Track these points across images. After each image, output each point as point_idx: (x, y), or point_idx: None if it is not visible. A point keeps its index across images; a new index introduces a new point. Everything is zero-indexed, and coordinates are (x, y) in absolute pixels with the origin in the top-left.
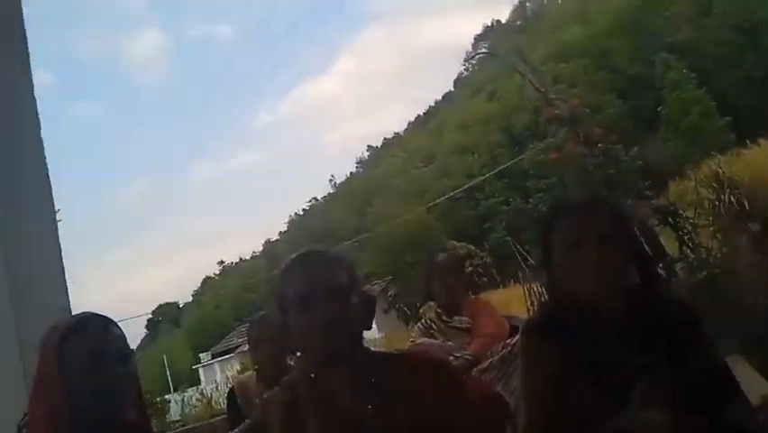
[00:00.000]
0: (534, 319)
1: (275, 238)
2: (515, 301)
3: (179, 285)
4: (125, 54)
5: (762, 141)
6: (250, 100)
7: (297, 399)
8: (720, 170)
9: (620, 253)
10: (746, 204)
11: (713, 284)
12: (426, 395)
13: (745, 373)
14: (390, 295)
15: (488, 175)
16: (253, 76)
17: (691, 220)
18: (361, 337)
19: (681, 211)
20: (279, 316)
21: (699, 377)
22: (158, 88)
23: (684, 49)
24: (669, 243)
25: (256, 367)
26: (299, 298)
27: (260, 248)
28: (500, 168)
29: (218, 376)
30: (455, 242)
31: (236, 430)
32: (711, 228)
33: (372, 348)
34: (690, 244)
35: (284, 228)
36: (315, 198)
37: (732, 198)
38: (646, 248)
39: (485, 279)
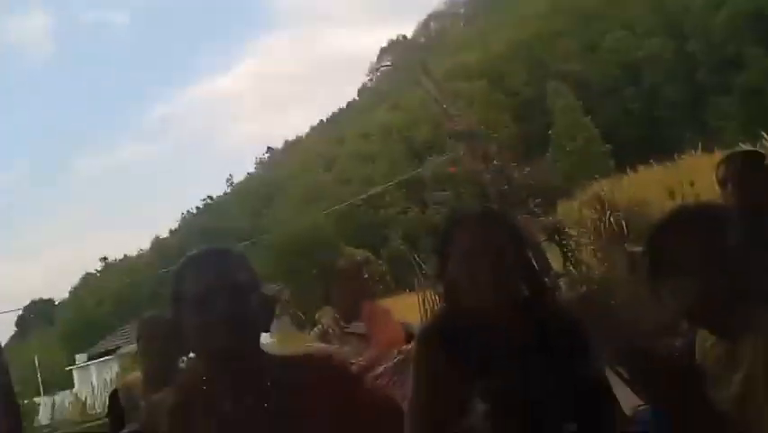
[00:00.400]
0: (428, 327)
1: (164, 236)
2: (409, 309)
3: (56, 280)
4: (10, 35)
5: (640, 168)
6: (144, 91)
7: (188, 402)
8: (602, 193)
9: (512, 265)
10: (624, 226)
11: (591, 299)
12: (323, 395)
13: (615, 386)
14: (284, 299)
15: (388, 184)
16: (150, 67)
17: (575, 238)
18: (258, 339)
19: (566, 229)
20: (173, 315)
21: (581, 386)
22: (43, 72)
23: (573, 79)
24: (554, 258)
25: (143, 369)
26: (195, 296)
27: (148, 245)
28: (400, 178)
29: (95, 379)
30: (353, 249)
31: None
32: (592, 247)
33: (272, 353)
34: (572, 261)
35: (175, 226)
36: (211, 198)
37: (612, 220)
38: (534, 262)
39: (381, 286)
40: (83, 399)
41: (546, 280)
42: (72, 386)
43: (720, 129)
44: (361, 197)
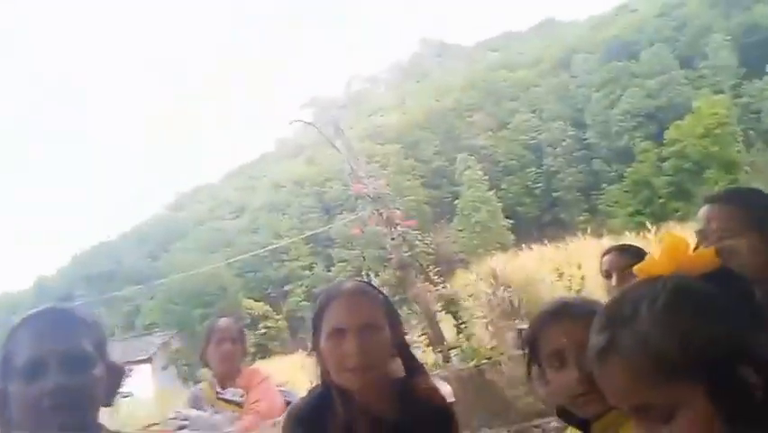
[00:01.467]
0: (297, 405)
1: (51, 274)
2: (304, 369)
3: None
4: None
5: (534, 246)
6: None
7: None
8: (497, 268)
9: (382, 343)
10: (516, 302)
11: (480, 374)
12: None
13: None
14: (173, 348)
15: (295, 239)
16: None
17: (469, 310)
18: (95, 415)
19: (461, 301)
20: (2, 385)
21: None
22: None
23: (481, 153)
24: (448, 329)
25: None
26: (26, 364)
27: (31, 283)
28: (309, 233)
29: None
30: (252, 300)
31: None
32: (485, 320)
33: (110, 428)
34: (465, 333)
35: (64, 264)
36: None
37: (505, 295)
38: (406, 340)
39: (276, 342)
40: None
41: (439, 350)
42: None
43: (610, 214)
44: (268, 248)
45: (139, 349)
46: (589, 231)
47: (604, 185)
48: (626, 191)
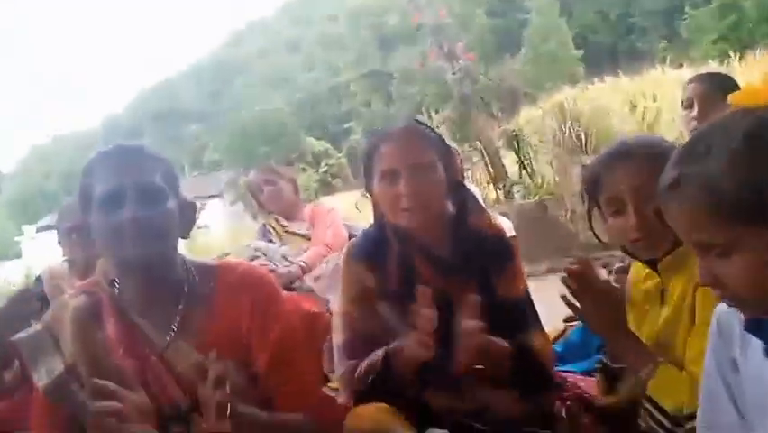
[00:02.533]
0: (356, 243)
1: (118, 112)
2: (365, 204)
3: (2, 152)
4: None
5: (608, 78)
6: None
7: (94, 306)
8: (566, 102)
9: (435, 183)
10: (584, 138)
11: (543, 209)
12: (241, 310)
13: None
14: (241, 185)
15: (353, 74)
16: None
17: (534, 147)
18: (173, 247)
19: (525, 137)
20: (82, 215)
21: (503, 305)
22: None
23: None
24: (511, 166)
25: (66, 258)
26: (105, 196)
27: (99, 120)
28: (367, 70)
29: (42, 251)
30: (314, 139)
31: (22, 334)
32: (550, 156)
33: (194, 259)
34: (529, 170)
35: (129, 102)
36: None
37: (572, 130)
38: (460, 176)
39: (339, 179)
40: (31, 271)
41: (501, 186)
42: (20, 257)
43: (693, 42)
44: (323, 81)
45: (208, 185)
46: (667, 61)
47: (687, 8)
48: (712, 16)
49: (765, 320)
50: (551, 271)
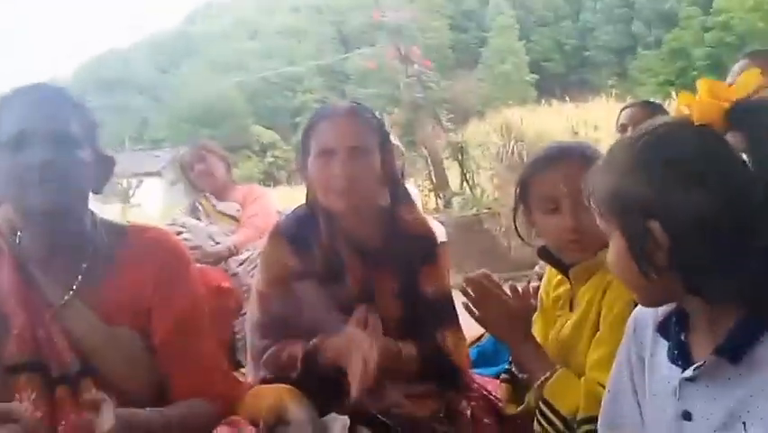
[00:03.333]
0: (283, 222)
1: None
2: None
3: None
4: None
5: (554, 102)
6: None
7: None
8: (511, 121)
9: (371, 169)
10: (525, 157)
11: (479, 222)
12: (146, 275)
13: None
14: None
15: (310, 64)
16: None
17: (477, 161)
18: (84, 199)
19: (470, 150)
20: None
21: (423, 301)
22: None
23: (516, 0)
24: (453, 177)
25: None
26: (10, 137)
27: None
28: (323, 62)
29: None
30: (262, 128)
31: None
32: (492, 171)
33: (105, 218)
34: (470, 183)
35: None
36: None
37: (516, 148)
38: (397, 168)
39: (283, 172)
40: None
41: (442, 196)
42: None
43: (640, 81)
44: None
45: (148, 163)
46: (613, 95)
47: (639, 49)
48: (662, 59)
49: (672, 323)
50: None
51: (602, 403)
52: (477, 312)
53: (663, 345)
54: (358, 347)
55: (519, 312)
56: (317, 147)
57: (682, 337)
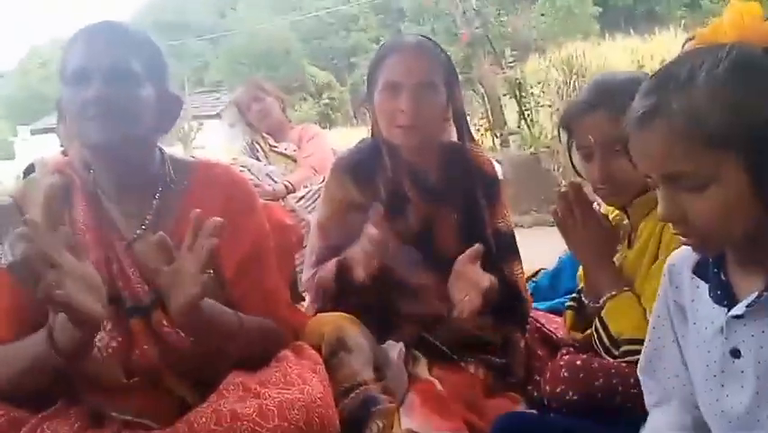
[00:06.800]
0: (345, 156)
1: (124, 17)
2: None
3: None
4: None
5: (619, 37)
6: None
7: (65, 186)
8: (574, 56)
9: (436, 105)
10: None
11: (536, 161)
12: (214, 209)
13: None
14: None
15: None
16: None
17: (536, 97)
18: (151, 135)
19: (528, 87)
20: (62, 91)
21: (489, 236)
22: None
23: None
24: (510, 114)
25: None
26: (72, 72)
27: None
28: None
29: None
30: (317, 68)
31: None
32: (551, 109)
33: (173, 154)
34: (528, 120)
35: (133, 13)
36: None
37: (577, 85)
38: (463, 104)
39: (339, 114)
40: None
41: (499, 134)
42: (13, 158)
43: (714, 11)
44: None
45: (208, 105)
46: (683, 26)
47: None
48: None
49: (710, 264)
50: (536, 223)
51: (643, 351)
52: (566, 228)
53: (703, 287)
54: (476, 282)
55: (609, 231)
56: (384, 80)
57: (722, 277)
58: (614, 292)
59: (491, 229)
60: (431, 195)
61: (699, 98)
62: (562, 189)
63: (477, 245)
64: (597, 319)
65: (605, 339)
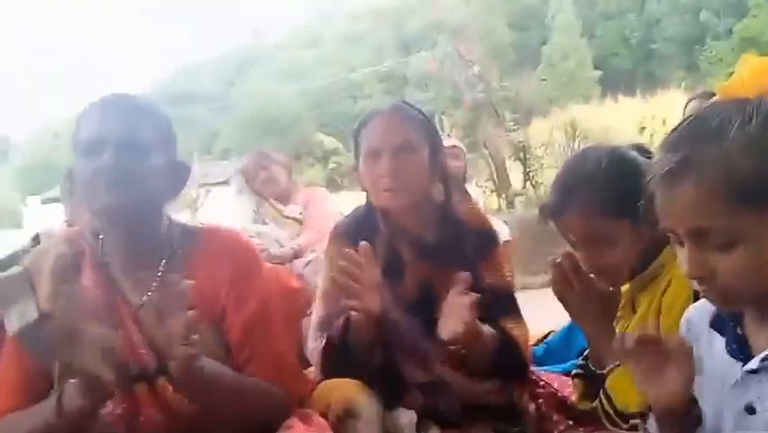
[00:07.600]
0: (342, 222)
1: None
2: None
3: (11, 118)
4: None
5: (620, 97)
6: None
7: (75, 256)
8: (577, 118)
9: (418, 165)
10: None
11: (544, 223)
12: (221, 275)
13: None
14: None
15: (367, 70)
16: None
17: (540, 159)
18: (158, 203)
19: (534, 149)
20: (73, 164)
21: (486, 292)
22: None
23: None
24: (516, 177)
25: (66, 219)
26: (85, 142)
27: None
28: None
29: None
30: (324, 135)
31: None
32: (556, 170)
33: (179, 220)
34: (533, 182)
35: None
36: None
37: (580, 146)
38: (446, 161)
39: (346, 179)
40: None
41: (505, 196)
42: (20, 227)
43: (711, 72)
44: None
45: (216, 172)
46: (683, 87)
47: (708, 39)
48: (733, 49)
49: (726, 318)
50: (546, 285)
51: None
52: (565, 299)
53: (720, 341)
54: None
55: (607, 297)
56: (365, 148)
57: (738, 331)
58: (618, 362)
59: (485, 285)
60: (426, 256)
61: (732, 153)
62: (557, 260)
63: (461, 273)
64: (602, 392)
65: (611, 412)
